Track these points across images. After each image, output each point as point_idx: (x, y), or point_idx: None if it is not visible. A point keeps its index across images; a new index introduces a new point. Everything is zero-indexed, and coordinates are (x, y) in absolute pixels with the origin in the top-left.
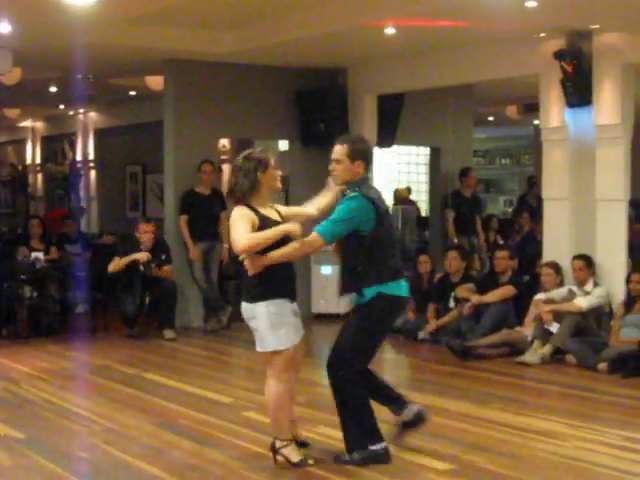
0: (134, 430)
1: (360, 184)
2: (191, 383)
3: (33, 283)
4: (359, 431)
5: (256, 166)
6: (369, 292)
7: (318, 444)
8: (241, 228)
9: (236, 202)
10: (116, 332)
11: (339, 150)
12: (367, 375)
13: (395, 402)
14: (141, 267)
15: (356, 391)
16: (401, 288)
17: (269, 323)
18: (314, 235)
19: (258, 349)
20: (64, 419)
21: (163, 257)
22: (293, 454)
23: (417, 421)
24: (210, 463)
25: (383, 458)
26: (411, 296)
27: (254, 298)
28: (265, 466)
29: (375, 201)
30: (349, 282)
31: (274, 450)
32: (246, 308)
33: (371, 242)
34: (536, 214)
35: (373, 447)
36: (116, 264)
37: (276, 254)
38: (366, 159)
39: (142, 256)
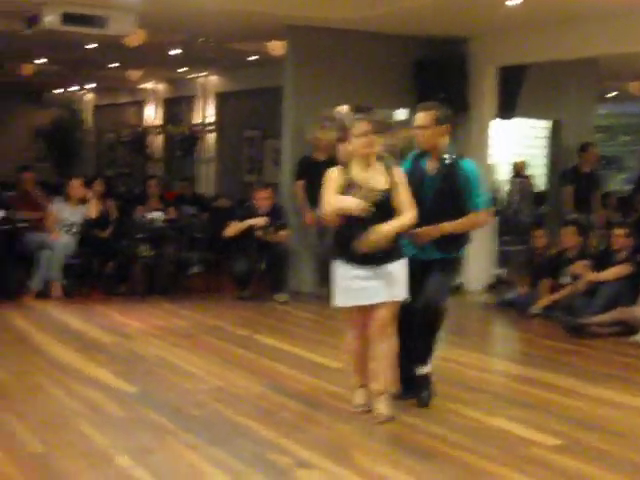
0: (244, 390)
1: (453, 150)
2: (301, 347)
3: (150, 242)
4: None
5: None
6: (462, 252)
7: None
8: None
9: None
10: (229, 294)
11: (425, 116)
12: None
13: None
14: (258, 232)
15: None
16: None
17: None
18: (482, 213)
19: None
20: (176, 376)
21: (279, 223)
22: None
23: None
24: (319, 426)
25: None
26: (524, 270)
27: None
28: (373, 432)
29: None
30: (449, 243)
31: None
32: None
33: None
34: None
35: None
36: (233, 229)
37: (447, 226)
38: (450, 124)
39: (259, 221)
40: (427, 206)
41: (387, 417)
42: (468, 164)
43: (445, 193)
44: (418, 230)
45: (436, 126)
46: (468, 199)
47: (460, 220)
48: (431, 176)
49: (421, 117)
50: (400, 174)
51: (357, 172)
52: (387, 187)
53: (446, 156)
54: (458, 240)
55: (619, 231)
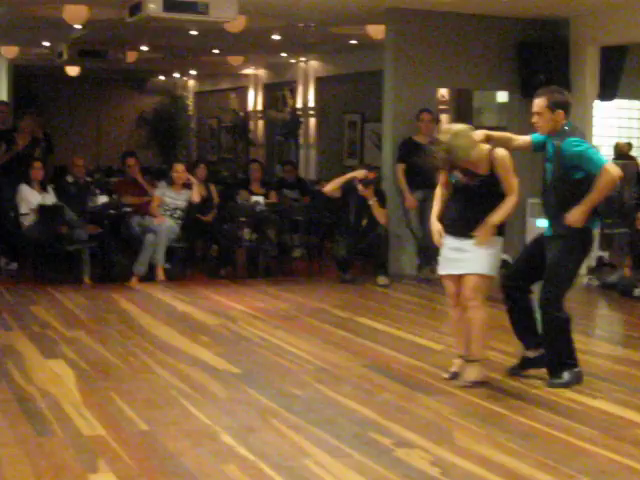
0: (346, 371)
1: (569, 133)
2: (403, 329)
3: (252, 226)
4: (564, 356)
5: None
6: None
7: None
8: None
9: None
10: (330, 277)
11: (538, 102)
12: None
13: (531, 337)
14: (360, 187)
15: None
16: None
17: None
18: (606, 168)
19: None
20: (278, 357)
21: (379, 175)
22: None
23: (538, 363)
24: (420, 407)
25: (581, 377)
26: (627, 252)
27: None
28: (474, 412)
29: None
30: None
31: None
32: None
33: (587, 186)
34: None
35: (576, 369)
36: (332, 183)
37: (589, 200)
38: (565, 108)
39: (360, 173)
40: (550, 189)
41: (470, 382)
42: (570, 139)
43: (556, 174)
44: (566, 220)
45: (551, 111)
46: (586, 164)
47: (594, 188)
48: (548, 160)
49: (535, 103)
50: (503, 159)
51: None
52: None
53: (555, 139)
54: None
55: None
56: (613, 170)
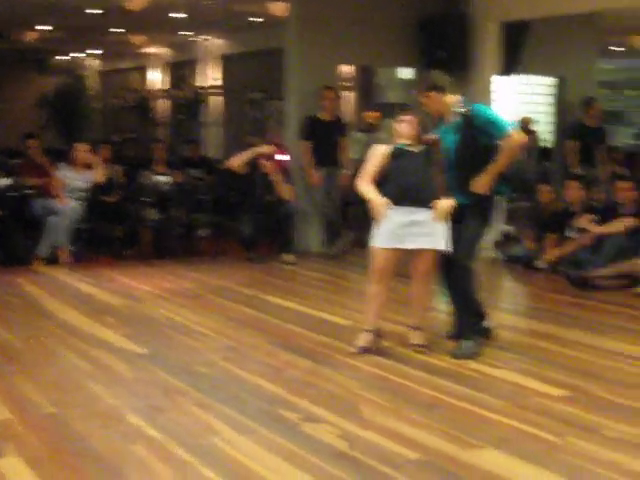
0: (252, 349)
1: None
2: (310, 305)
3: (157, 205)
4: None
5: None
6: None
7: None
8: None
9: None
10: (237, 255)
11: (420, 88)
12: None
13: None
14: (265, 163)
15: None
16: None
17: None
18: (511, 134)
19: None
20: (185, 336)
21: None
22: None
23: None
24: (327, 382)
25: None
26: (531, 225)
27: None
28: (380, 386)
29: None
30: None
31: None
32: None
33: (491, 152)
34: None
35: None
36: (238, 159)
37: (493, 168)
38: (437, 88)
39: (265, 149)
40: (452, 164)
41: (422, 345)
42: (478, 106)
43: (465, 144)
44: (473, 188)
45: (426, 99)
46: (493, 130)
47: (499, 153)
48: (449, 134)
49: (419, 89)
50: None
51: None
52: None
53: (458, 109)
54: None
55: (623, 184)
56: (518, 136)
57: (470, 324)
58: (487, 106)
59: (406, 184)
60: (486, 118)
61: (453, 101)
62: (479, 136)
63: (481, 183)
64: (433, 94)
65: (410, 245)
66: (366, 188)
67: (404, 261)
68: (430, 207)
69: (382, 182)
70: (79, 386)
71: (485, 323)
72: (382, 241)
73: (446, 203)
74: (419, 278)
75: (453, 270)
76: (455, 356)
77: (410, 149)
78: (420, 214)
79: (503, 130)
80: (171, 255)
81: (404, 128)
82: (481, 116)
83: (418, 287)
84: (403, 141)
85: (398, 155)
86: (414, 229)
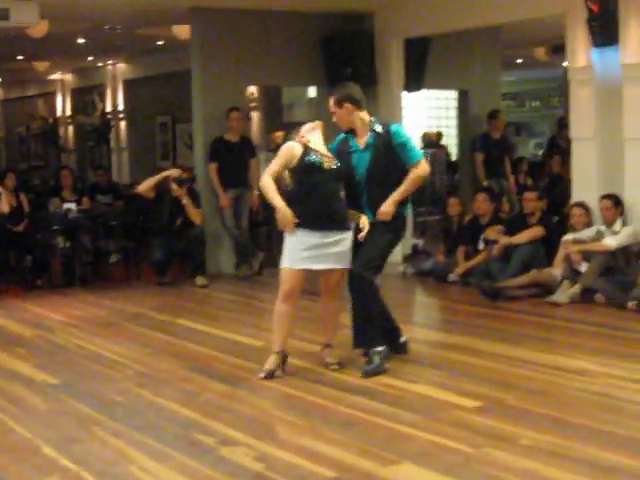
0: (167, 374)
1: (378, 121)
2: (223, 328)
3: (66, 233)
4: (374, 330)
5: None
6: (402, 210)
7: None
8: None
9: None
10: (148, 280)
11: (330, 101)
12: None
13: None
14: (173, 186)
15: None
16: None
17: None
18: (421, 163)
19: None
20: (98, 365)
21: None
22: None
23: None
24: (242, 404)
25: (389, 356)
26: (441, 238)
27: None
28: (295, 406)
29: None
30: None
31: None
32: None
33: (397, 176)
34: (566, 156)
35: (381, 348)
36: (146, 183)
37: (397, 195)
38: (352, 100)
39: (173, 172)
40: (363, 182)
41: (336, 363)
42: (395, 125)
43: (383, 160)
44: (378, 215)
45: (339, 108)
46: (405, 155)
47: (406, 180)
48: (361, 152)
49: (329, 102)
50: None
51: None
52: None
53: (377, 127)
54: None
55: (530, 195)
56: (426, 166)
57: (376, 336)
58: (402, 127)
59: (319, 208)
60: (403, 140)
61: (367, 118)
62: (393, 156)
63: (386, 211)
64: (348, 106)
65: (320, 266)
66: (273, 193)
67: (311, 279)
68: (342, 229)
69: (293, 198)
70: None
71: (401, 339)
72: (291, 262)
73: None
74: (328, 296)
75: (357, 283)
76: (366, 374)
77: (325, 166)
78: (331, 237)
79: (415, 157)
80: (82, 283)
81: (317, 137)
82: (399, 137)
83: (328, 305)
84: (317, 154)
85: (310, 170)
86: (324, 250)
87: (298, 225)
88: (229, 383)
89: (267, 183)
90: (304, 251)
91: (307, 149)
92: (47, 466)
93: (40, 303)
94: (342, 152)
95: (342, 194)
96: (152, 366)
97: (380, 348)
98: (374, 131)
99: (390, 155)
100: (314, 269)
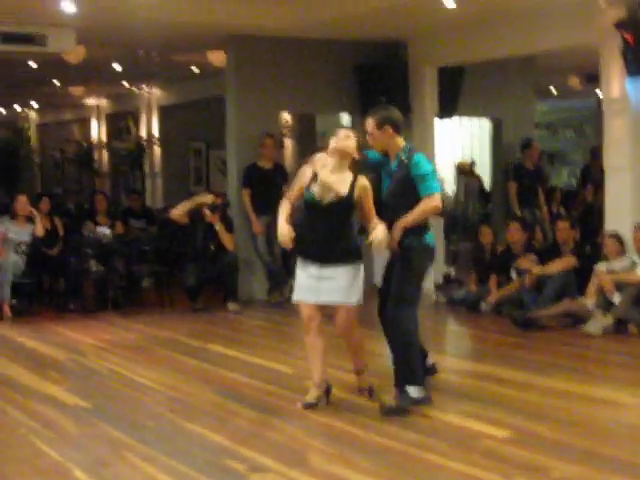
0: (198, 400)
1: (415, 150)
2: (254, 354)
3: (99, 257)
4: (408, 370)
5: None
6: (423, 240)
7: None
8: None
9: None
10: (181, 305)
11: (368, 123)
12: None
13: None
14: (206, 212)
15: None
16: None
17: None
18: (434, 196)
19: None
20: (130, 389)
21: (227, 201)
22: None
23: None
24: (273, 431)
25: (426, 400)
26: (473, 267)
27: None
28: (327, 433)
29: None
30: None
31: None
32: None
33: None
34: (599, 185)
35: (414, 394)
36: (180, 209)
37: (404, 221)
38: (393, 123)
39: (207, 198)
40: (384, 208)
41: (367, 389)
42: (418, 155)
43: (398, 189)
44: (381, 239)
45: (378, 130)
46: (421, 186)
47: (414, 209)
48: (391, 174)
49: (366, 123)
50: (365, 184)
51: (325, 173)
52: (347, 194)
53: (402, 154)
54: (412, 228)
55: (563, 224)
56: (438, 201)
57: (405, 374)
58: (426, 158)
59: (315, 244)
60: (422, 171)
61: (403, 143)
62: (410, 186)
63: (387, 237)
64: (389, 129)
65: (324, 299)
66: (280, 213)
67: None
68: (342, 263)
69: (298, 225)
70: (22, 442)
71: (428, 361)
72: (299, 294)
73: (380, 231)
74: (339, 333)
75: (387, 318)
76: (382, 411)
77: (323, 202)
78: (327, 271)
79: (429, 189)
80: (115, 307)
81: (329, 166)
82: (418, 168)
83: (345, 340)
84: (320, 186)
85: (308, 205)
86: (326, 283)
87: (299, 252)
88: (260, 410)
89: (282, 204)
90: (305, 280)
91: (314, 179)
92: None
93: (73, 327)
94: (382, 174)
95: (349, 225)
96: (184, 391)
97: (410, 388)
98: (400, 158)
99: (407, 184)
100: (311, 302)
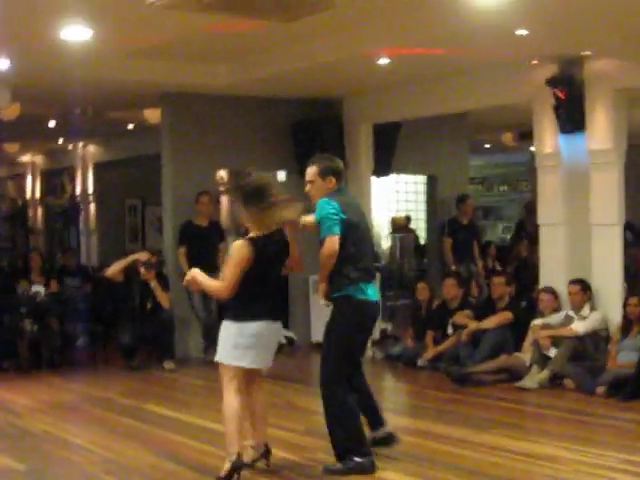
0: (134, 461)
1: (333, 195)
2: (191, 413)
3: (34, 316)
4: (347, 441)
5: None
6: (343, 291)
7: (317, 470)
8: None
9: None
10: (117, 364)
11: (310, 171)
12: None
13: (375, 417)
14: (142, 269)
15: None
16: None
17: None
18: (326, 240)
19: None
20: (64, 450)
21: (162, 258)
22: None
23: (389, 440)
24: None
25: (369, 469)
26: (409, 323)
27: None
28: None
29: (341, 206)
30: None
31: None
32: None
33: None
34: (534, 241)
35: (359, 459)
36: (115, 266)
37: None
38: (336, 174)
39: (141, 255)
40: None
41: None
42: (322, 201)
43: (318, 238)
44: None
45: (323, 179)
46: (321, 232)
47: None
48: None
49: (307, 172)
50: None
51: None
52: None
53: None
54: (334, 280)
55: (498, 279)
56: (330, 244)
57: (340, 446)
58: (328, 202)
59: None
60: (318, 216)
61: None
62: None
63: (320, 291)
64: (332, 179)
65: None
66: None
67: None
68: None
69: None
70: None
71: (385, 429)
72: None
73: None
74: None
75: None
76: (324, 470)
77: None
78: None
79: (323, 233)
80: (49, 366)
81: None
82: (317, 213)
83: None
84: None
85: None
86: None
87: None
88: (197, 470)
89: None
90: None
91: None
92: None
93: (6, 386)
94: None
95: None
96: (119, 452)
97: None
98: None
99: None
100: None
